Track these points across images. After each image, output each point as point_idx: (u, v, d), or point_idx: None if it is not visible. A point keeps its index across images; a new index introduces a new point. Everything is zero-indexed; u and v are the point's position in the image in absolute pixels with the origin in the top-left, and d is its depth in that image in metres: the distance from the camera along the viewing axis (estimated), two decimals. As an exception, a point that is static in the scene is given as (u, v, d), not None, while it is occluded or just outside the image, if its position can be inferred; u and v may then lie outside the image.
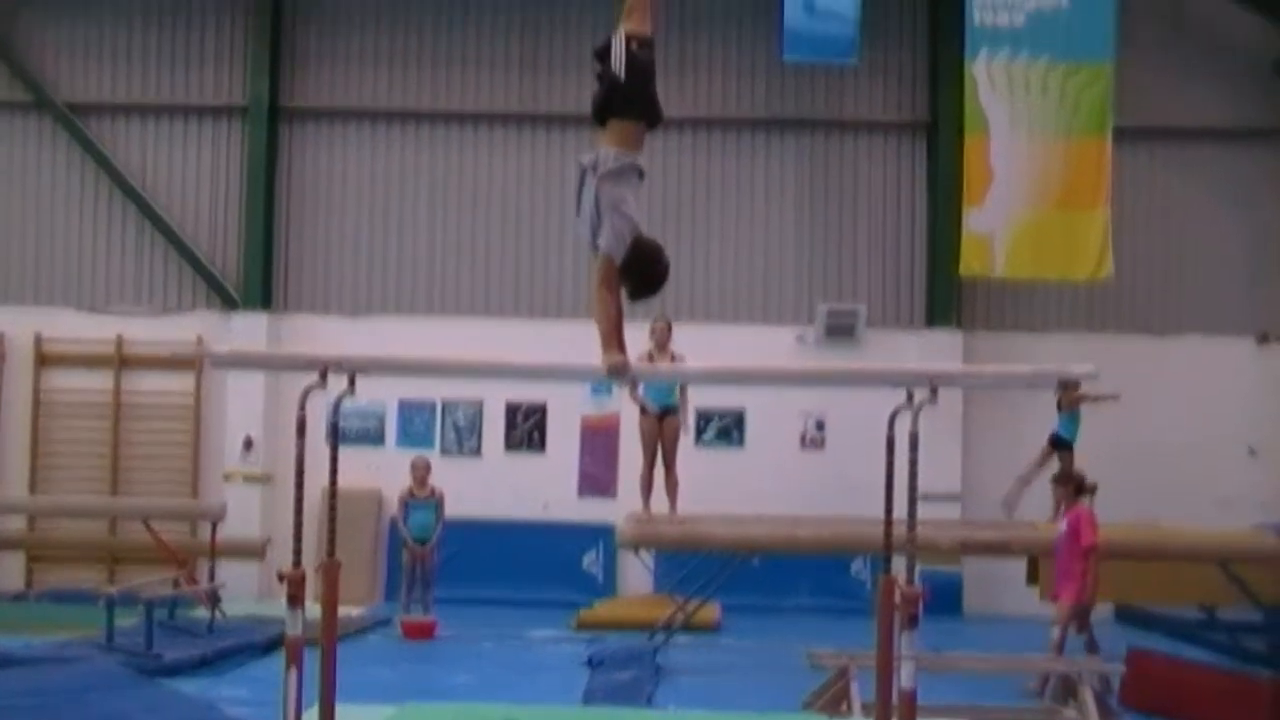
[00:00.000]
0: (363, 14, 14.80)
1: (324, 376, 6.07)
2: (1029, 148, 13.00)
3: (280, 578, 5.86)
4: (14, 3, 14.79)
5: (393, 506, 14.00)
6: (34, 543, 14.31)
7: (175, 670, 9.15)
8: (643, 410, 11.31)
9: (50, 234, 14.79)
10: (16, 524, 14.09)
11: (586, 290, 14.63)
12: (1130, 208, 14.02)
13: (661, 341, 11.27)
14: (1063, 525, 9.54)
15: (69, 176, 14.81)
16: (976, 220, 13.07)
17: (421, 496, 12.28)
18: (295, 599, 5.81)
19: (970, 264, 13.22)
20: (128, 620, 10.14)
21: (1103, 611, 13.30)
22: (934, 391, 6.17)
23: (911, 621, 5.83)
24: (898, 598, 6.01)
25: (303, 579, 5.86)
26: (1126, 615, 13.31)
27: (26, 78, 14.66)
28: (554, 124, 14.60)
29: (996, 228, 13.02)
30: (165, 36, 14.84)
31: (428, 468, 12.40)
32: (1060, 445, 12.39)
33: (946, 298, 14.31)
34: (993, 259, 13.10)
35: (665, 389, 11.18)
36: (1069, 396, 12.12)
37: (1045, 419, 14.03)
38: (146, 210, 14.61)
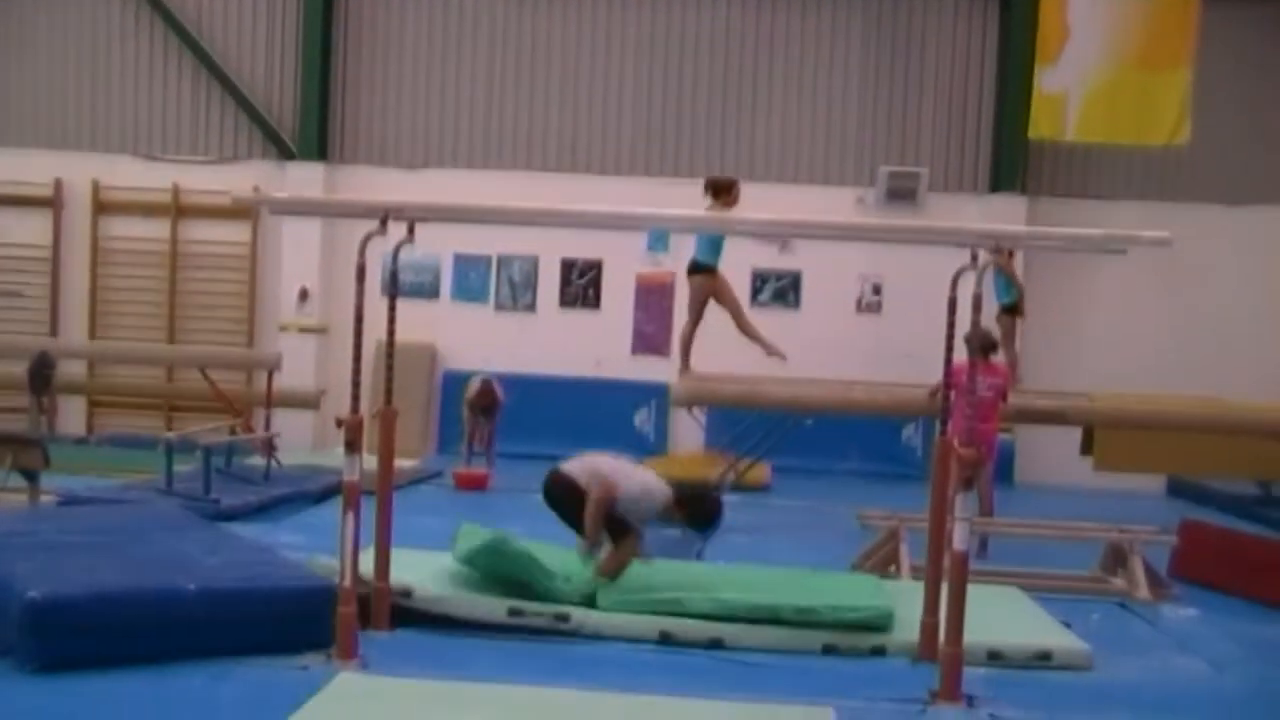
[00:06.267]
0: None
1: (384, 223, 6.03)
2: (1110, 4, 12.46)
3: (338, 423, 5.89)
4: None
5: (447, 361, 14.23)
6: (94, 388, 14.51)
7: (232, 516, 9.29)
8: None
9: (107, 81, 14.72)
10: (77, 369, 14.28)
11: (643, 147, 14.44)
12: (1211, 71, 13.48)
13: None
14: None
15: (124, 21, 14.68)
16: (1049, 80, 12.64)
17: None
18: (353, 445, 5.85)
19: (1040, 126, 12.84)
20: (185, 466, 10.28)
21: (1154, 484, 13.32)
22: (999, 252, 6.05)
23: (966, 484, 5.79)
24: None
25: (360, 425, 5.89)
26: (1179, 489, 13.26)
27: (82, -79, 14.48)
28: (614, -24, 14.31)
29: (1070, 88, 12.57)
30: (222, -120, 14.56)
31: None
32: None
33: (1012, 162, 13.99)
34: (1065, 121, 12.68)
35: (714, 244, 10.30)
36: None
37: (1106, 287, 13.87)
38: (204, 58, 14.49)
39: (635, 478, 6.98)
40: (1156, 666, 6.58)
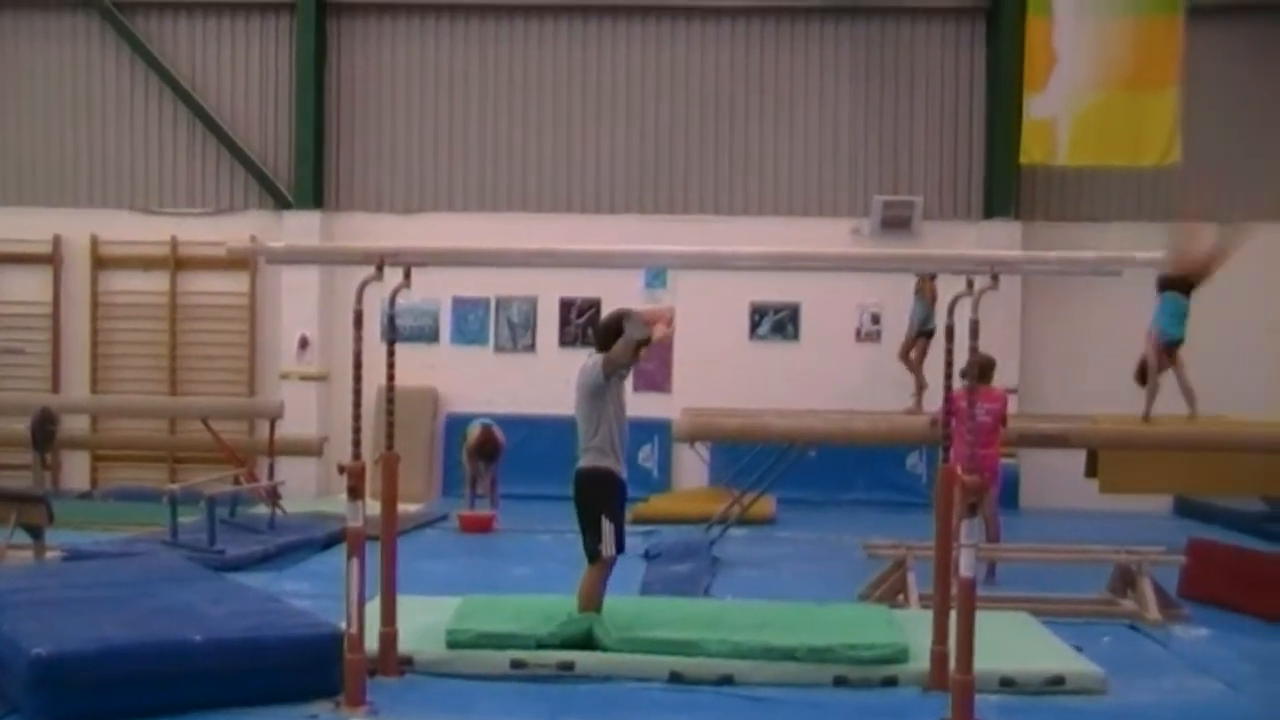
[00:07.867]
0: (408, -95, 14.55)
1: (380, 269, 6.05)
2: (1096, 28, 12.56)
3: (340, 470, 5.89)
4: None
5: (448, 404, 14.25)
6: (97, 442, 14.50)
7: (238, 566, 9.27)
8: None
9: (102, 136, 14.79)
10: (80, 424, 14.27)
11: (638, 185, 14.51)
12: (1200, 89, 13.49)
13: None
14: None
15: (119, 77, 14.76)
16: (1038, 106, 12.74)
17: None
18: (355, 491, 5.85)
19: (1031, 152, 12.92)
20: (190, 518, 10.27)
21: (1161, 504, 13.29)
22: (995, 278, 6.06)
23: (971, 510, 5.78)
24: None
25: (363, 470, 5.89)
26: (1185, 508, 13.22)
27: (73, -23, 14.57)
28: (605, 16, 14.39)
29: (1059, 113, 12.67)
30: (211, -68, 14.68)
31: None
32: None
33: (1005, 188, 14.03)
34: (1055, 146, 12.78)
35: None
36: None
37: (1104, 309, 13.86)
38: (197, 110, 14.56)
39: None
40: (1171, 688, 6.54)
